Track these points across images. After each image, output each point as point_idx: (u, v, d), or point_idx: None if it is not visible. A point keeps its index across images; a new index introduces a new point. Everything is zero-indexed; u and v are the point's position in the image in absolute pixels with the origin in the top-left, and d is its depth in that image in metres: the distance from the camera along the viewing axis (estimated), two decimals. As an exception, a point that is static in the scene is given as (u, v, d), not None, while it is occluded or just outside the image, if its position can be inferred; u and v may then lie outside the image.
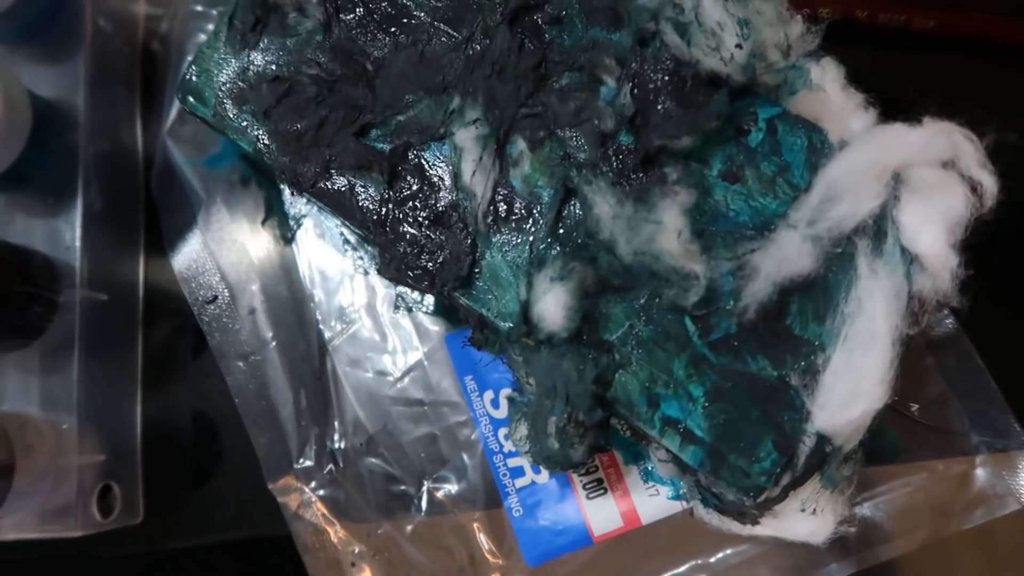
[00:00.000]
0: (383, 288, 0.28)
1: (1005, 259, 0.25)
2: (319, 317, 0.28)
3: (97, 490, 0.26)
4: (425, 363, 0.28)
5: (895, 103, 0.22)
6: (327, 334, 0.28)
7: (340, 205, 0.24)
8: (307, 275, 0.29)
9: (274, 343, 0.28)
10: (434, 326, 0.28)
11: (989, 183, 0.20)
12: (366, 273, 0.28)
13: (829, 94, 0.22)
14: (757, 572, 0.26)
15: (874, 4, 0.26)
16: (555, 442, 0.22)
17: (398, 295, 0.28)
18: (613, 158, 0.22)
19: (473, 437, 0.27)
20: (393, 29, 0.24)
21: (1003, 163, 0.20)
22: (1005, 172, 0.20)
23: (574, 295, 0.21)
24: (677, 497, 0.26)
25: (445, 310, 0.28)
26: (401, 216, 0.23)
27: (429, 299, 0.28)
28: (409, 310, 0.28)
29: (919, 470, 0.26)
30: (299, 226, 0.29)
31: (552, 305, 0.21)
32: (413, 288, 0.24)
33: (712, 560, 0.26)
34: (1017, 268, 0.27)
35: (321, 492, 0.27)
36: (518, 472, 0.27)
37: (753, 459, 0.21)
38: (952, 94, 0.24)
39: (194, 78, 0.25)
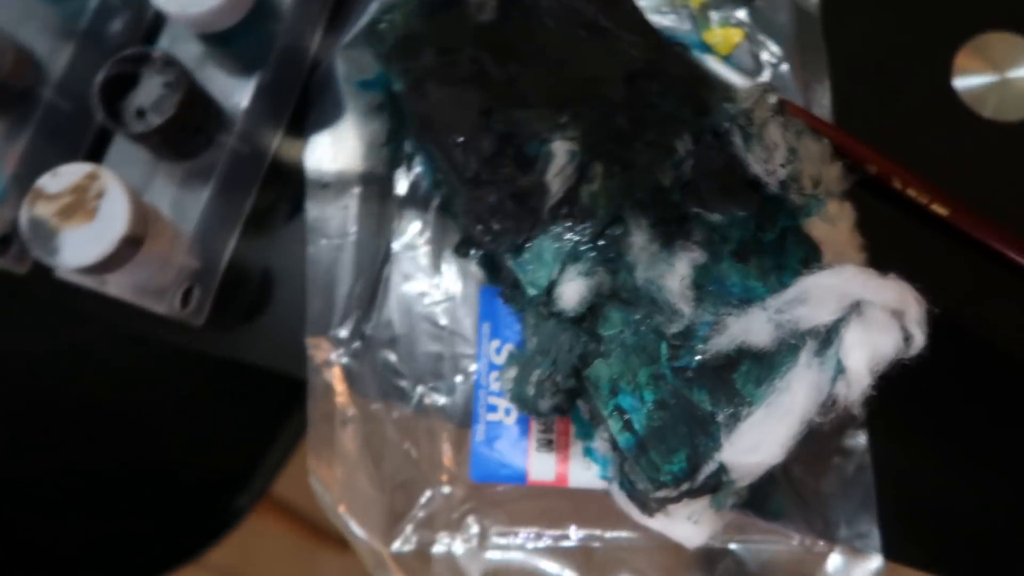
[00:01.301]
0: (449, 231, 0.35)
1: (916, 400, 0.31)
2: (394, 232, 0.35)
3: (184, 288, 0.34)
4: (458, 300, 0.35)
5: (884, 253, 0.28)
6: (395, 247, 0.35)
7: (448, 157, 0.30)
8: (398, 197, 0.36)
9: (353, 237, 0.35)
10: (475, 276, 0.35)
11: (918, 338, 0.26)
12: (442, 214, 0.35)
13: (838, 228, 0.29)
14: (635, 560, 0.33)
15: (908, 178, 0.33)
16: (532, 390, 0.29)
17: (460, 242, 0.35)
18: (660, 207, 0.29)
19: (471, 369, 0.34)
20: (544, 45, 0.31)
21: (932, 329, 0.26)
22: (931, 335, 0.26)
23: (590, 290, 0.28)
24: (603, 478, 0.32)
25: (489, 268, 0.35)
26: (492, 184, 0.30)
27: (478, 257, 0.35)
28: (462, 256, 0.35)
29: (789, 536, 0.32)
30: (408, 159, 0.36)
31: (572, 290, 0.28)
32: (477, 239, 0.30)
33: (606, 535, 0.33)
34: (922, 409, 0.33)
35: (343, 359, 0.34)
36: (492, 408, 0.34)
37: (667, 461, 0.27)
38: (930, 263, 0.31)
39: (384, 22, 0.32)
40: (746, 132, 0.27)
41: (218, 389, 0.62)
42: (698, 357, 0.28)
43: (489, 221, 0.29)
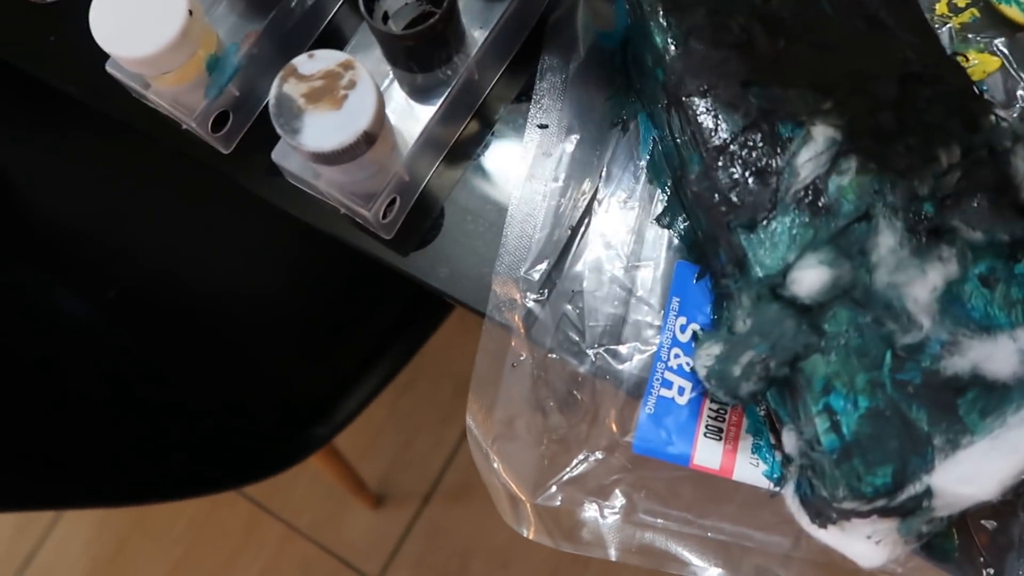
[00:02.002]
0: (656, 199, 0.35)
1: None
2: (601, 188, 0.35)
3: (390, 197, 0.34)
4: (652, 268, 0.34)
5: None
6: (598, 203, 0.35)
7: (697, 120, 0.30)
8: (612, 154, 0.35)
9: (562, 184, 0.34)
10: (674, 249, 0.34)
11: None
12: (649, 180, 0.34)
13: (1093, 275, 0.27)
14: (782, 570, 0.32)
15: None
16: (738, 370, 0.28)
17: (664, 210, 0.34)
18: (912, 214, 0.28)
19: (652, 339, 0.33)
20: (818, 27, 0.30)
21: None
22: None
23: (832, 281, 0.27)
24: (769, 476, 0.31)
25: (691, 243, 0.34)
26: (739, 155, 0.29)
27: (682, 228, 0.34)
28: (664, 226, 0.34)
29: (950, 582, 0.30)
30: (628, 119, 0.35)
31: (813, 277, 0.27)
32: (709, 209, 0.29)
33: (758, 536, 0.32)
34: None
35: (528, 302, 0.34)
36: (667, 384, 0.33)
37: (871, 472, 0.26)
38: None
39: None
40: (1028, 156, 0.26)
41: (320, 305, 0.62)
42: (923, 375, 0.26)
43: (728, 193, 0.29)
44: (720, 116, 0.29)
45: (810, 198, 0.28)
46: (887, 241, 0.27)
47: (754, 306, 0.28)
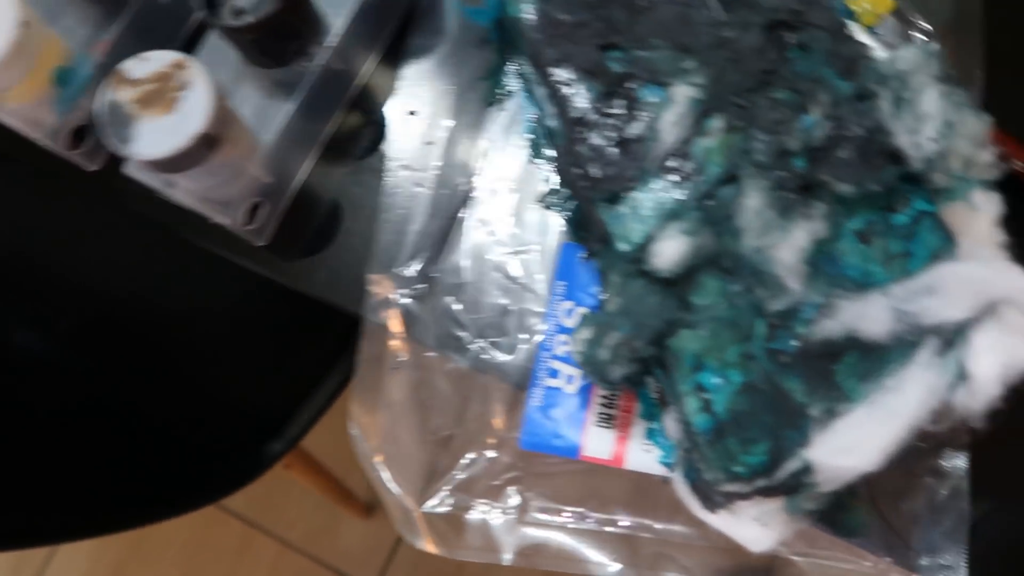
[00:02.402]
0: (538, 179, 0.33)
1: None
2: (477, 173, 0.33)
3: (252, 202, 0.32)
4: (535, 253, 0.32)
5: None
6: (476, 188, 0.33)
7: (556, 92, 0.28)
8: (489, 137, 0.33)
9: (435, 172, 0.33)
10: (558, 230, 0.32)
11: (1061, 355, 0.23)
12: (532, 159, 0.33)
13: (979, 219, 0.25)
14: (684, 558, 0.30)
15: (1059, 184, 0.29)
16: (606, 354, 0.26)
17: (549, 191, 0.32)
18: (782, 171, 0.26)
19: (537, 328, 0.32)
20: (674, -14, 0.28)
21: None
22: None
23: (692, 251, 0.25)
24: (664, 463, 0.30)
25: (575, 223, 0.32)
26: (598, 126, 0.27)
27: (569, 208, 0.32)
28: (547, 207, 0.32)
29: (863, 556, 0.28)
30: (504, 98, 0.34)
31: (671, 248, 0.25)
32: (571, 185, 0.28)
33: (657, 526, 0.30)
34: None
35: (402, 300, 0.32)
36: (554, 374, 0.31)
37: (745, 451, 0.24)
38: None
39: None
40: (898, 97, 0.24)
41: (270, 320, 0.61)
42: (798, 341, 0.25)
43: (588, 165, 0.27)
44: (579, 85, 0.28)
45: (675, 164, 0.27)
46: (752, 203, 0.25)
47: (622, 284, 0.27)
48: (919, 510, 0.28)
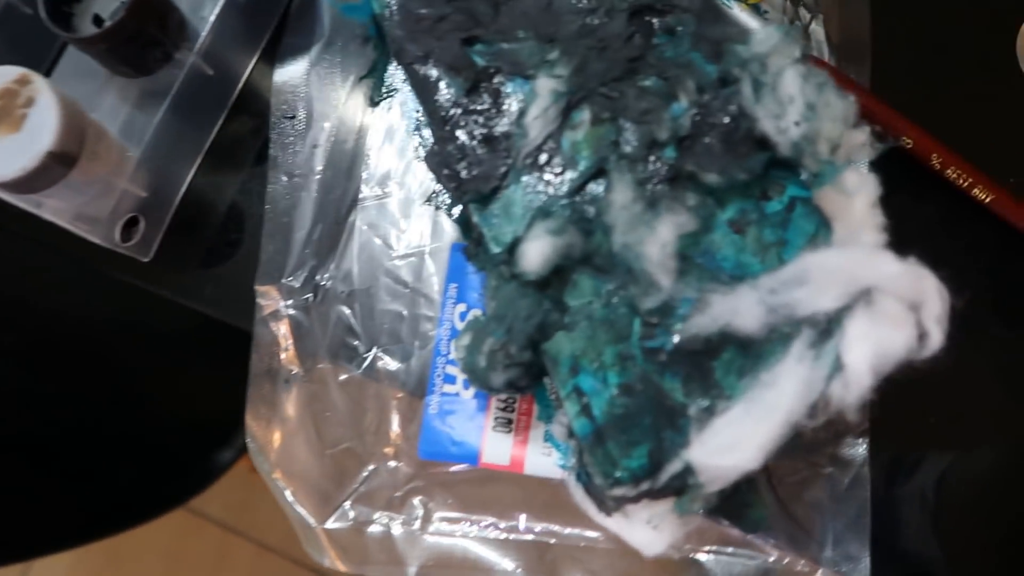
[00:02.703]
0: (427, 180, 0.32)
1: (928, 409, 0.27)
2: (364, 175, 0.32)
3: (127, 217, 0.31)
4: (427, 256, 0.31)
5: (908, 237, 0.24)
6: (363, 192, 0.32)
7: (422, 90, 0.27)
8: (373, 138, 0.32)
9: (319, 176, 0.32)
10: (449, 231, 0.31)
11: (935, 337, 0.22)
12: (419, 159, 0.32)
13: (855, 203, 0.24)
14: (591, 561, 0.29)
15: (949, 157, 0.28)
16: (483, 361, 0.25)
17: (433, 191, 0.31)
18: (652, 163, 0.25)
19: (431, 333, 0.31)
20: (537, -28, 0.27)
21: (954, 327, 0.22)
22: (952, 335, 0.22)
23: (557, 251, 0.24)
24: (563, 467, 0.29)
25: (464, 222, 0.31)
26: (463, 123, 0.26)
27: (457, 207, 0.31)
28: (436, 208, 0.31)
29: (767, 551, 0.28)
30: (388, 96, 0.32)
31: (536, 250, 0.24)
32: (444, 186, 0.27)
33: (562, 531, 0.29)
34: (934, 420, 0.29)
35: (292, 311, 0.31)
36: (450, 379, 0.30)
37: (626, 455, 0.24)
38: (960, 252, 0.26)
39: (364, -67, 0.28)
40: (758, 81, 0.23)
41: (205, 332, 0.60)
42: (675, 338, 0.24)
43: (456, 166, 0.26)
44: (444, 82, 0.27)
45: (543, 159, 0.26)
46: (619, 198, 0.24)
47: (497, 287, 0.26)
48: (822, 501, 0.28)
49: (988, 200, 0.28)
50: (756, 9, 0.31)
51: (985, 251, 0.29)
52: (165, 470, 0.64)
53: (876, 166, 0.24)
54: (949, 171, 0.28)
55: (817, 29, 0.31)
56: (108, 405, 0.61)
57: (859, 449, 0.28)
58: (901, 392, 0.23)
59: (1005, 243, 0.29)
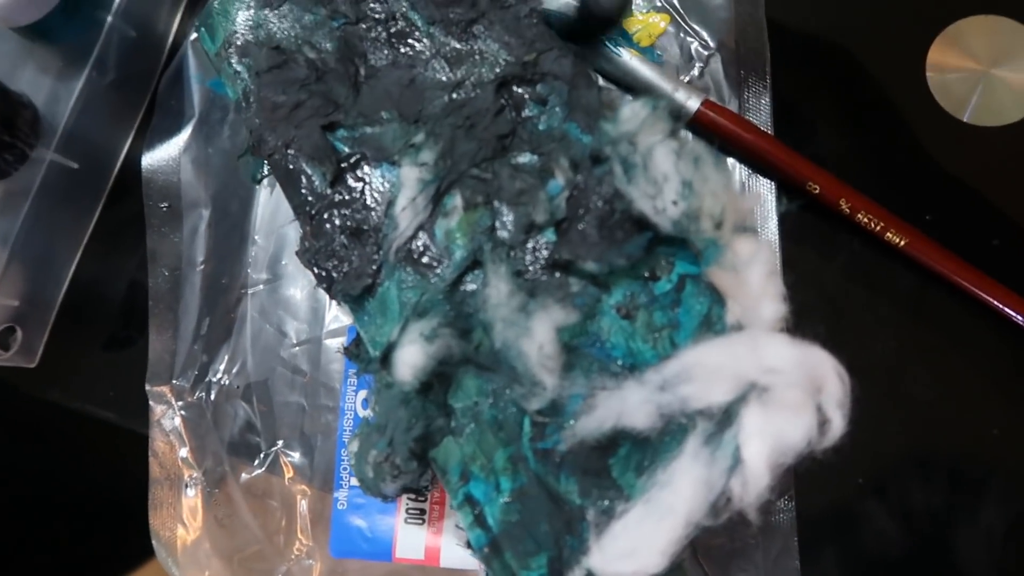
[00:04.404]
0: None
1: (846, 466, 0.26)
2: (252, 260, 0.30)
3: (1, 328, 0.29)
4: (324, 341, 0.30)
5: (823, 295, 0.23)
6: (252, 277, 0.30)
7: (286, 181, 0.25)
8: (259, 218, 0.30)
9: (202, 267, 0.30)
10: (345, 314, 0.30)
11: (837, 424, 0.21)
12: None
13: (750, 274, 0.23)
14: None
15: (858, 201, 0.27)
16: (371, 472, 0.24)
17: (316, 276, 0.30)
18: (531, 250, 0.23)
19: (334, 424, 0.29)
20: (398, 46, 0.25)
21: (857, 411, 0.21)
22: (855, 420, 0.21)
23: (432, 357, 0.22)
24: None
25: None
26: (328, 216, 0.24)
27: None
28: (328, 294, 0.30)
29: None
30: (269, 174, 0.30)
31: (409, 357, 0.22)
32: (318, 284, 0.25)
33: (487, 624, 0.28)
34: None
35: (185, 412, 0.29)
36: (357, 472, 0.29)
37: (524, 566, 0.22)
38: (877, 308, 0.25)
39: (214, 12, 0.26)
40: (627, 161, 0.22)
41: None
42: (566, 439, 0.22)
43: (325, 263, 0.24)
44: (306, 173, 0.25)
45: (417, 252, 0.24)
46: (495, 292, 0.22)
47: (377, 392, 0.24)
48: (752, 573, 0.27)
49: (902, 244, 0.26)
50: (649, 53, 0.29)
51: (904, 293, 0.27)
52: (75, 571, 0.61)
53: (784, 218, 0.23)
54: (859, 216, 0.27)
55: (716, 68, 0.29)
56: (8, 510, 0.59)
57: (786, 516, 0.27)
58: (824, 456, 0.21)
59: (923, 283, 0.27)
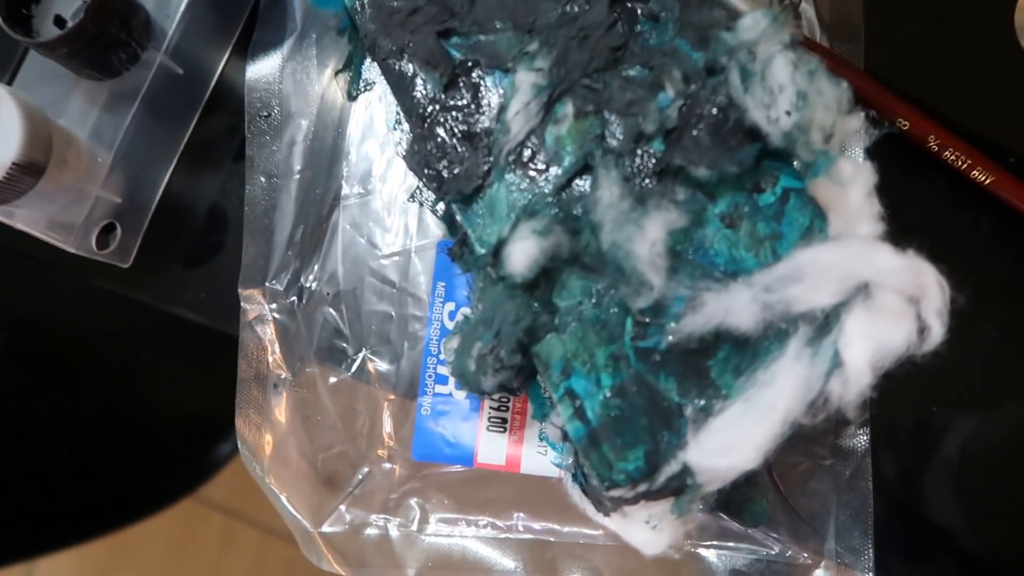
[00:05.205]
0: (410, 176, 0.31)
1: (929, 401, 0.27)
2: (345, 173, 0.31)
3: (103, 224, 0.30)
4: (413, 254, 0.31)
5: (907, 226, 0.23)
6: (345, 190, 0.31)
7: (398, 86, 0.26)
8: (353, 134, 0.31)
9: (298, 176, 0.31)
10: (435, 228, 0.30)
11: (936, 332, 0.22)
12: (399, 155, 0.31)
13: (851, 193, 0.24)
14: (592, 558, 0.29)
15: (946, 138, 0.27)
16: (473, 365, 0.25)
17: (417, 187, 0.30)
18: (639, 157, 0.24)
19: (420, 333, 0.30)
20: (515, -42, 0.26)
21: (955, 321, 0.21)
22: (953, 329, 0.21)
23: (544, 253, 0.23)
24: (558, 465, 0.28)
25: (449, 219, 0.30)
26: (441, 120, 0.25)
27: (442, 204, 0.30)
28: (420, 205, 0.30)
29: (770, 544, 0.28)
30: (367, 89, 0.31)
31: (521, 252, 0.23)
32: (425, 185, 0.26)
33: (561, 529, 0.29)
34: (934, 414, 0.28)
35: (277, 315, 0.30)
36: (442, 380, 0.30)
37: (622, 457, 0.23)
38: (962, 240, 0.25)
39: (333, -79, 0.27)
40: (746, 69, 0.22)
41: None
42: (668, 338, 0.23)
43: (436, 164, 0.25)
44: (420, 77, 0.26)
45: (526, 156, 0.25)
46: (606, 194, 0.23)
47: (484, 289, 0.25)
48: (824, 492, 0.27)
49: (988, 182, 0.27)
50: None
51: (985, 233, 0.28)
52: (165, 465, 0.64)
53: (872, 152, 0.24)
54: (947, 153, 0.27)
55: (808, 8, 0.30)
56: (104, 406, 0.61)
57: (861, 439, 0.28)
58: (901, 381, 0.22)
59: (1005, 225, 0.28)
